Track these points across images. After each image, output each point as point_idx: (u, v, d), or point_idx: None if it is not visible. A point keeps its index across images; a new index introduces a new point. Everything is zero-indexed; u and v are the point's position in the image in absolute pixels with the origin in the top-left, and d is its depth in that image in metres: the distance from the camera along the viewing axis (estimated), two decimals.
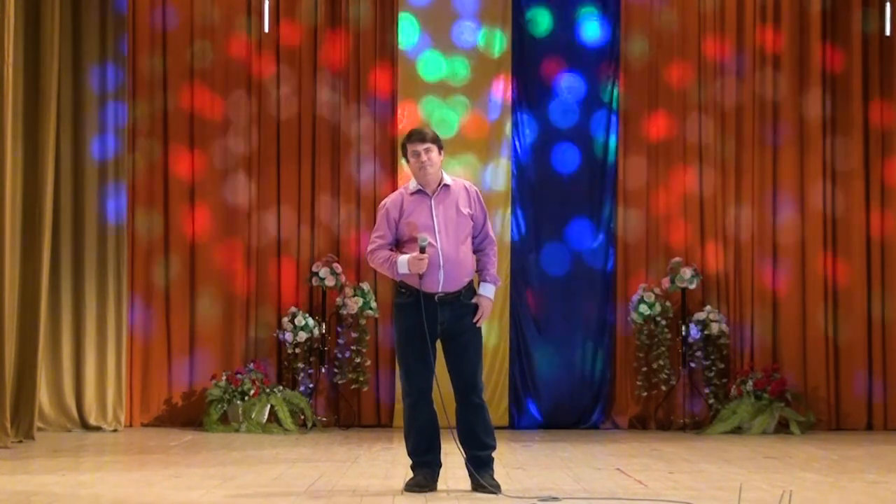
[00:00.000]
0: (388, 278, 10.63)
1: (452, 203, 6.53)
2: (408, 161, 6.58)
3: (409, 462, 6.67)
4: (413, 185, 6.59)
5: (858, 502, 6.39)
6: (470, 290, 6.55)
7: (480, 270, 6.63)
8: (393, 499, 6.38)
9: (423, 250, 6.37)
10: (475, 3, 10.91)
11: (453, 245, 6.46)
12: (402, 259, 6.45)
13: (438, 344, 6.54)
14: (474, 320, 6.51)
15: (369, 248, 6.62)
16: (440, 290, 6.44)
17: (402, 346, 6.57)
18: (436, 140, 6.55)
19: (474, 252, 6.63)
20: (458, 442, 6.52)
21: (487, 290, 6.58)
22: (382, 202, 6.69)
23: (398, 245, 6.58)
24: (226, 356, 10.60)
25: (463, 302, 6.50)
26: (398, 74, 10.83)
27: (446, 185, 6.57)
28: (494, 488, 6.43)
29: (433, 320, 6.43)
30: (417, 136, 6.55)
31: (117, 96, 10.29)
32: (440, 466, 6.64)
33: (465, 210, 6.54)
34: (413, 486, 6.52)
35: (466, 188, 6.64)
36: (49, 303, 9.68)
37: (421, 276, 6.40)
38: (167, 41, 10.71)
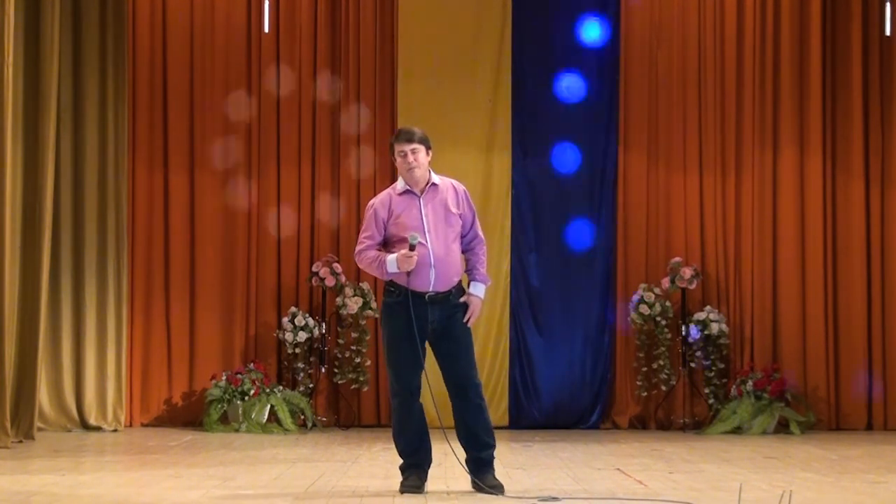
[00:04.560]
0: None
1: (441, 202, 6.50)
2: (395, 160, 6.55)
3: (400, 462, 6.62)
4: (401, 184, 6.55)
5: (858, 502, 6.40)
6: (459, 289, 6.53)
7: (470, 270, 6.59)
8: (393, 499, 6.38)
9: (412, 248, 6.34)
10: (475, 2, 10.90)
11: (443, 244, 6.44)
12: (391, 258, 6.41)
13: (428, 344, 6.53)
14: (465, 319, 6.48)
15: (357, 249, 6.56)
16: (431, 289, 6.42)
17: (390, 346, 6.55)
18: (423, 140, 6.50)
19: (463, 251, 6.60)
20: (450, 442, 6.51)
21: (478, 290, 6.55)
22: (370, 202, 6.63)
23: (386, 245, 6.54)
24: (226, 356, 10.60)
25: (453, 301, 6.47)
26: (398, 74, 10.82)
27: (434, 185, 6.53)
28: (497, 490, 6.43)
29: (423, 320, 6.41)
30: (404, 136, 6.50)
31: (117, 96, 10.29)
32: (430, 464, 6.63)
33: (454, 209, 6.51)
34: (410, 488, 6.50)
35: (454, 187, 6.60)
36: (49, 303, 9.68)
37: (409, 275, 6.37)
38: (167, 41, 10.71)
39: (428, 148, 6.53)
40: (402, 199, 6.52)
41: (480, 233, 6.66)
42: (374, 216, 6.52)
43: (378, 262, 6.46)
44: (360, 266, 6.64)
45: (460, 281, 6.55)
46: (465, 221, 6.58)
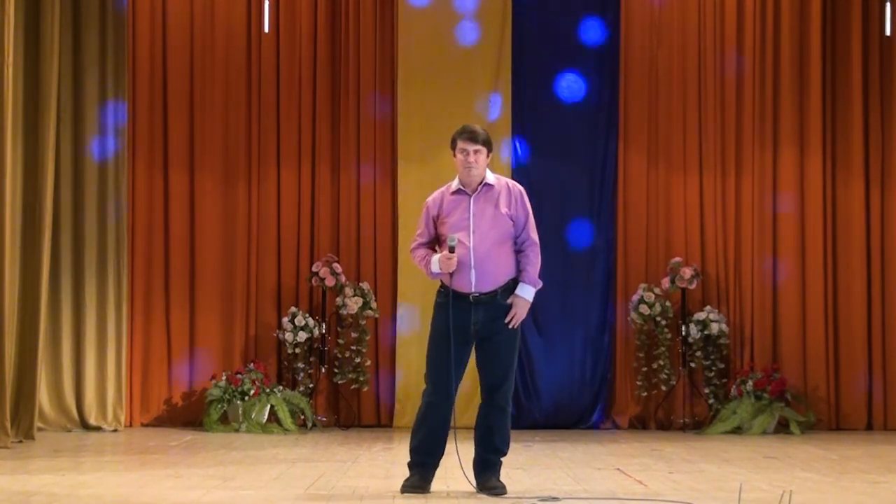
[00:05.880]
0: (389, 279, 10.72)
1: (492, 202, 6.47)
2: (454, 155, 6.53)
3: (408, 459, 6.63)
4: (455, 183, 6.55)
5: (858, 502, 6.40)
6: (507, 290, 6.45)
7: (520, 271, 6.49)
8: (393, 499, 6.38)
9: (451, 250, 6.33)
10: (475, 2, 10.90)
11: (488, 245, 6.40)
12: (435, 258, 6.45)
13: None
14: (506, 321, 6.43)
15: (411, 246, 6.64)
16: (473, 290, 6.39)
17: (429, 345, 6.54)
18: (487, 142, 6.48)
19: (516, 253, 6.52)
20: (455, 441, 6.50)
21: (524, 291, 6.46)
22: (426, 200, 6.65)
23: (439, 244, 6.55)
24: (226, 356, 10.60)
25: (499, 302, 6.42)
26: (398, 74, 10.82)
27: (488, 185, 6.50)
28: (496, 491, 6.43)
29: (466, 320, 6.39)
30: (469, 134, 6.47)
31: (117, 96, 10.29)
32: (437, 467, 6.62)
33: (505, 210, 6.46)
34: (410, 487, 6.50)
35: (509, 187, 6.55)
36: (49, 303, 9.67)
37: (452, 276, 6.37)
38: (167, 41, 10.71)
39: (489, 150, 6.51)
40: (453, 199, 6.51)
41: (533, 235, 6.53)
42: (427, 213, 6.58)
43: (425, 261, 6.52)
44: (414, 262, 6.68)
45: (510, 282, 6.46)
46: (518, 223, 6.49)
